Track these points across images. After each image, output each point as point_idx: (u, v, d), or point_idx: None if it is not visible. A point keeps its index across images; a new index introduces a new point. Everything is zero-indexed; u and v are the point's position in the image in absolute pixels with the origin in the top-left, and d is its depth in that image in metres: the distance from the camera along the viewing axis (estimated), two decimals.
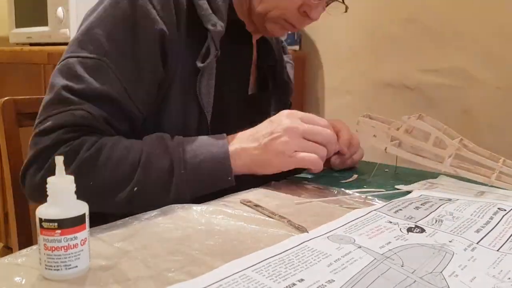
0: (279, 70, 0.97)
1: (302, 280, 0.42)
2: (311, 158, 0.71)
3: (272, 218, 0.59)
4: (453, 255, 0.49)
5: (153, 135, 0.70)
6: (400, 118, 0.81)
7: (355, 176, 0.84)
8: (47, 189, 0.43)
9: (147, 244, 0.51)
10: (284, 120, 0.72)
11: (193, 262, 0.47)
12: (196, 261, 0.47)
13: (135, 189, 0.64)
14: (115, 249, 0.49)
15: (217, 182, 0.69)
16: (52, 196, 0.43)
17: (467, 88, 1.56)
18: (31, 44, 1.88)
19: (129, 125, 0.73)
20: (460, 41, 1.55)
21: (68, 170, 0.64)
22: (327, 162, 0.84)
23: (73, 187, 0.44)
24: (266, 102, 0.96)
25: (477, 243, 0.53)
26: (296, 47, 1.84)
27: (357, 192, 0.73)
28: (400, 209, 0.62)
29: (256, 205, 0.64)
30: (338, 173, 0.87)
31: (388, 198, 0.69)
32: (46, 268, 0.42)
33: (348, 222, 0.57)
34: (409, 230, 0.56)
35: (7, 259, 0.47)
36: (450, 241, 0.53)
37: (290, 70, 1.02)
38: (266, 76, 0.95)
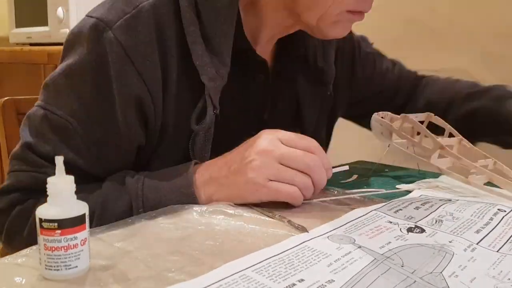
0: (312, 57, 0.80)
1: (302, 280, 0.42)
2: (288, 190, 0.59)
3: (272, 218, 0.59)
4: (453, 255, 0.49)
5: (115, 175, 0.63)
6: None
7: (355, 176, 0.84)
8: (47, 189, 0.43)
9: (147, 244, 0.51)
10: (260, 141, 0.60)
11: (193, 262, 0.47)
12: (196, 261, 0.47)
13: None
14: (115, 249, 0.49)
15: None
16: (52, 196, 0.43)
17: None
18: (31, 44, 1.88)
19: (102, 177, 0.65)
20: (460, 42, 1.55)
21: (23, 231, 0.61)
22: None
23: (73, 187, 0.44)
24: (292, 107, 0.82)
25: (477, 243, 0.53)
26: None
27: (357, 192, 0.73)
28: (400, 209, 0.62)
29: (256, 205, 0.64)
30: (338, 173, 0.87)
31: (388, 198, 0.69)
32: (46, 268, 0.42)
33: (348, 222, 0.57)
34: (409, 230, 0.56)
35: (7, 259, 0.47)
36: (450, 242, 0.53)
37: (331, 51, 0.83)
38: (290, 81, 0.80)
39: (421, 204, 0.65)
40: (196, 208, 0.62)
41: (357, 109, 0.98)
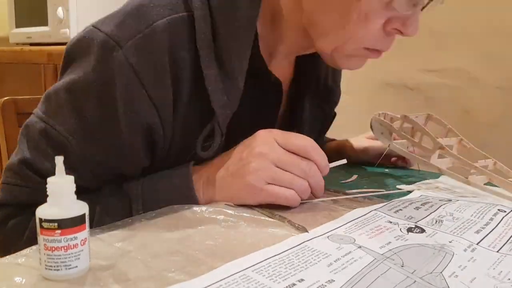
0: (323, 77, 0.79)
1: (302, 280, 0.42)
2: (286, 194, 0.59)
3: (272, 218, 0.59)
4: (453, 255, 0.49)
5: (112, 185, 0.63)
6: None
7: (355, 176, 0.84)
8: (47, 189, 0.43)
9: (147, 244, 0.51)
10: (256, 143, 0.59)
11: (193, 262, 0.47)
12: (196, 261, 0.47)
13: None
14: (115, 249, 0.49)
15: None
16: (52, 196, 0.43)
17: (467, 88, 1.56)
18: (31, 44, 1.88)
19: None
20: (460, 41, 1.55)
21: (20, 241, 0.61)
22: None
23: (73, 187, 0.44)
24: (296, 125, 0.79)
25: (477, 244, 0.53)
26: None
27: (357, 192, 0.73)
28: (400, 209, 0.62)
29: (256, 205, 0.64)
30: (338, 173, 0.87)
31: (388, 198, 0.69)
32: (46, 268, 0.42)
33: (348, 222, 0.57)
34: (409, 230, 0.56)
35: (7, 259, 0.47)
36: (450, 242, 0.53)
37: (339, 72, 0.84)
38: (301, 99, 0.78)
39: (421, 204, 0.65)
40: (196, 208, 0.62)
41: None
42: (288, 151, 0.60)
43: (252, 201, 0.61)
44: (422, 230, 0.56)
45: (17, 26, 1.94)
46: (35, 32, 1.83)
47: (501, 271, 0.46)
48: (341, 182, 0.80)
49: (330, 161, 0.65)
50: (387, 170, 0.91)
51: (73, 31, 1.65)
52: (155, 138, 0.60)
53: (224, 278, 0.42)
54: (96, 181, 0.62)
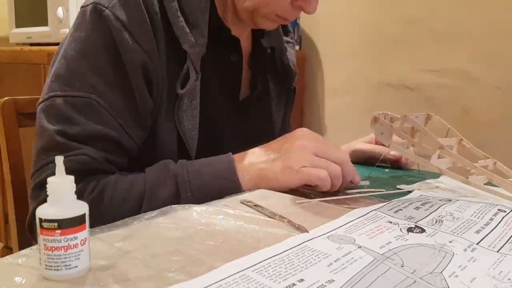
0: (278, 55, 0.91)
1: (302, 280, 0.42)
2: (319, 173, 0.66)
3: (272, 218, 0.59)
4: (453, 255, 0.49)
5: (155, 165, 0.67)
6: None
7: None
8: (47, 189, 0.43)
9: (147, 244, 0.51)
10: (299, 138, 0.69)
11: (193, 262, 0.47)
12: (196, 261, 0.47)
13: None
14: (115, 249, 0.49)
15: (226, 195, 0.67)
16: (52, 196, 0.43)
17: (467, 88, 1.56)
18: (31, 44, 1.88)
19: (128, 158, 0.70)
20: (460, 41, 1.55)
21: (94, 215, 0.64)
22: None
23: (73, 187, 0.44)
24: (265, 99, 0.90)
25: (477, 244, 0.53)
26: (296, 47, 1.84)
27: (357, 192, 0.73)
28: (400, 209, 0.62)
29: (256, 205, 0.64)
30: None
31: (388, 198, 0.69)
32: (46, 268, 0.42)
33: (348, 222, 0.57)
34: (409, 230, 0.56)
35: (7, 259, 0.47)
36: (450, 242, 0.53)
37: (291, 51, 0.95)
38: (263, 71, 0.89)
39: (421, 204, 0.65)
40: (196, 208, 0.62)
41: None
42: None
43: (289, 184, 0.68)
44: (422, 230, 0.56)
45: (17, 26, 1.94)
46: (35, 32, 1.83)
47: (501, 271, 0.46)
48: None
49: None
50: (387, 170, 0.91)
51: None
52: (151, 78, 0.69)
53: (224, 278, 0.42)
54: (128, 136, 0.68)
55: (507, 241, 0.54)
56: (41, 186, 0.65)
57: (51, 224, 0.42)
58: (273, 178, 0.68)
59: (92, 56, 0.67)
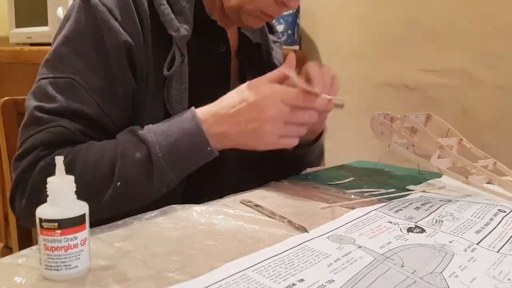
0: (264, 53, 0.93)
1: (302, 280, 0.42)
2: (291, 142, 0.71)
3: (272, 218, 0.59)
4: (453, 255, 0.49)
5: (124, 130, 0.69)
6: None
7: (351, 178, 0.84)
8: (47, 189, 0.43)
9: (147, 244, 0.51)
10: (266, 105, 0.68)
11: (193, 262, 0.47)
12: (196, 261, 0.47)
13: (118, 184, 0.64)
14: (115, 249, 0.49)
15: (198, 157, 0.68)
16: (52, 196, 0.43)
17: (467, 88, 1.56)
18: (31, 44, 1.87)
19: (106, 135, 0.71)
20: (460, 41, 1.55)
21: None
22: None
23: (73, 187, 0.44)
24: None
25: (477, 244, 0.53)
26: (296, 47, 1.84)
27: (357, 192, 0.73)
28: (401, 209, 0.62)
29: (256, 205, 0.64)
30: (336, 173, 0.87)
31: (388, 198, 0.69)
32: (46, 268, 0.42)
33: (348, 222, 0.57)
34: (409, 230, 0.56)
35: (7, 259, 0.47)
36: (450, 242, 0.53)
37: (277, 49, 0.98)
38: (251, 63, 0.90)
39: (421, 205, 0.65)
40: (196, 208, 0.62)
41: None
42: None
43: (266, 149, 0.70)
44: (422, 230, 0.56)
45: (17, 26, 1.94)
46: (35, 32, 1.83)
47: (501, 271, 0.46)
48: (339, 183, 0.80)
49: None
50: (387, 169, 0.91)
51: None
52: (134, 60, 0.71)
53: (224, 278, 0.42)
54: (105, 113, 0.70)
55: (507, 241, 0.54)
56: (19, 157, 0.68)
57: (51, 224, 0.42)
58: (250, 146, 0.70)
59: (76, 40, 0.71)
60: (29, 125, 0.68)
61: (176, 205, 0.62)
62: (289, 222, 0.57)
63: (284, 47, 1.86)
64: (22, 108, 0.91)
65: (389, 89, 1.72)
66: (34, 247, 0.48)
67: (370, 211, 0.61)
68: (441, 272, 0.45)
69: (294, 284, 0.42)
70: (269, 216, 0.60)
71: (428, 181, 0.81)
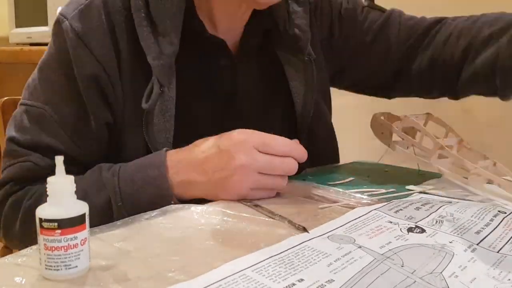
0: (282, 28, 0.80)
1: (302, 280, 0.42)
2: (266, 195, 0.65)
3: (272, 218, 0.59)
4: (453, 255, 0.49)
5: (92, 169, 0.66)
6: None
7: (351, 178, 0.84)
8: (47, 189, 0.43)
9: (147, 244, 0.51)
10: (237, 153, 0.61)
11: (193, 262, 0.47)
12: (196, 261, 0.47)
13: None
14: (115, 249, 0.49)
15: (158, 206, 0.62)
16: (52, 196, 0.43)
17: None
18: (31, 44, 1.88)
19: (84, 168, 0.68)
20: None
21: (16, 221, 0.66)
22: None
23: (73, 187, 0.44)
24: (256, 95, 0.81)
25: (478, 244, 0.53)
26: None
27: (357, 192, 0.73)
28: (401, 209, 0.62)
29: (256, 205, 0.64)
30: (336, 173, 0.87)
31: (388, 198, 0.69)
32: (46, 268, 0.42)
33: (348, 222, 0.57)
34: (410, 230, 0.56)
35: (7, 259, 0.47)
36: (450, 242, 0.53)
37: (299, 11, 0.81)
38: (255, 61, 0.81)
39: (422, 205, 0.65)
40: (196, 208, 0.62)
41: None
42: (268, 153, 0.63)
43: (237, 199, 0.64)
44: (423, 230, 0.56)
45: (17, 26, 1.94)
46: (35, 32, 1.83)
47: (501, 272, 0.46)
48: (339, 183, 0.80)
49: None
50: (387, 169, 0.91)
51: None
52: (105, 90, 0.67)
53: (224, 278, 0.42)
54: (77, 147, 0.68)
55: (508, 241, 0.54)
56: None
57: (51, 224, 0.42)
58: (220, 198, 0.64)
59: (49, 69, 0.70)
60: (6, 156, 0.69)
61: (176, 205, 0.62)
62: (289, 222, 0.57)
63: None
64: None
65: None
66: (34, 247, 0.48)
67: (370, 211, 0.61)
68: (441, 272, 0.45)
69: (293, 284, 0.42)
70: (269, 216, 0.60)
71: (429, 182, 0.81)
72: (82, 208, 0.43)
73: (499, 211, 0.63)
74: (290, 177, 0.82)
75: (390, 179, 0.83)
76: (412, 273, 0.45)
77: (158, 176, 0.62)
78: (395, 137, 0.81)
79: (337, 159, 0.92)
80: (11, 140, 0.68)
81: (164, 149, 0.66)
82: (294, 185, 0.77)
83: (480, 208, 0.64)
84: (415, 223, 0.58)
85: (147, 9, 0.67)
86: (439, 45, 0.88)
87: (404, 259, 0.47)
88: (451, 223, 0.58)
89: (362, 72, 0.92)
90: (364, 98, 1.83)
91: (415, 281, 0.43)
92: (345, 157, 0.91)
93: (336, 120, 0.97)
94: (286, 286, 0.41)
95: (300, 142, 0.68)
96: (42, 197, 0.63)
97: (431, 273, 0.45)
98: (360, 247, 0.50)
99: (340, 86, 0.99)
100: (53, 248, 0.42)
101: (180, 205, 0.62)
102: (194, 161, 0.64)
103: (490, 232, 0.56)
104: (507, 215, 0.62)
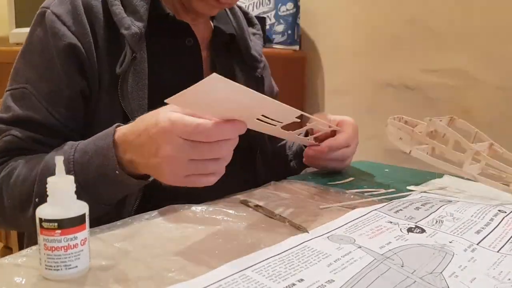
0: (242, 44, 0.91)
1: (302, 280, 0.42)
2: (204, 180, 0.60)
3: (272, 218, 0.59)
4: (453, 255, 0.49)
5: (65, 143, 0.69)
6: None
7: (351, 178, 0.84)
8: (47, 189, 0.43)
9: (147, 244, 0.51)
10: (162, 143, 0.58)
11: (193, 262, 0.47)
12: (196, 261, 0.47)
13: (37, 200, 0.64)
14: (115, 249, 0.49)
15: (107, 178, 0.61)
16: (52, 196, 0.43)
17: (467, 88, 1.56)
18: None
19: (64, 140, 0.70)
20: (460, 42, 1.55)
21: (3, 198, 0.69)
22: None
23: (73, 187, 0.44)
24: None
25: (477, 244, 0.53)
26: (296, 47, 1.84)
27: (357, 192, 0.73)
28: (401, 209, 0.62)
29: (256, 205, 0.64)
30: (336, 174, 0.87)
31: (388, 198, 0.69)
32: (46, 268, 0.42)
33: (348, 222, 0.57)
34: (410, 230, 0.56)
35: (7, 259, 0.47)
36: (450, 242, 0.53)
37: (257, 41, 0.97)
38: (224, 54, 0.90)
39: (422, 205, 0.65)
40: (196, 208, 0.62)
41: None
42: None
43: (180, 185, 0.60)
44: (422, 230, 0.56)
45: (17, 26, 1.94)
46: None
47: (501, 271, 0.46)
48: (339, 183, 0.80)
49: None
50: (387, 170, 0.91)
51: None
52: (81, 59, 0.73)
53: (224, 278, 0.42)
54: (54, 118, 0.72)
55: (507, 241, 0.54)
56: None
57: (51, 224, 0.42)
58: (163, 179, 0.61)
59: (28, 51, 0.76)
60: None
61: (176, 205, 0.62)
62: (289, 222, 0.57)
63: (284, 47, 1.87)
64: None
65: (389, 89, 1.72)
66: (34, 247, 0.48)
67: (370, 211, 0.61)
68: (441, 272, 0.45)
69: (293, 284, 0.42)
70: (269, 216, 0.60)
71: (429, 182, 0.81)
72: (82, 208, 0.43)
73: (499, 210, 0.63)
74: (290, 178, 0.82)
75: (390, 179, 0.83)
76: (412, 273, 0.45)
77: (104, 146, 0.63)
78: (416, 143, 0.76)
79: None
80: None
81: (115, 124, 0.65)
82: (294, 185, 0.77)
83: (480, 207, 0.64)
84: (415, 223, 0.58)
85: None
86: None
87: (404, 259, 0.47)
88: (451, 223, 0.58)
89: None
90: (363, 98, 1.84)
91: (415, 281, 0.43)
92: None
93: None
94: (286, 286, 0.41)
95: None
96: (14, 171, 0.68)
97: (431, 273, 0.45)
98: (360, 247, 0.50)
99: None
100: (53, 248, 0.42)
101: (180, 205, 0.62)
102: (135, 143, 0.62)
103: (490, 232, 0.56)
104: (507, 215, 0.62)
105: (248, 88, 0.51)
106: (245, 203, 0.65)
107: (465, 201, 0.67)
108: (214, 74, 0.48)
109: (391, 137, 0.79)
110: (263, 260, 0.46)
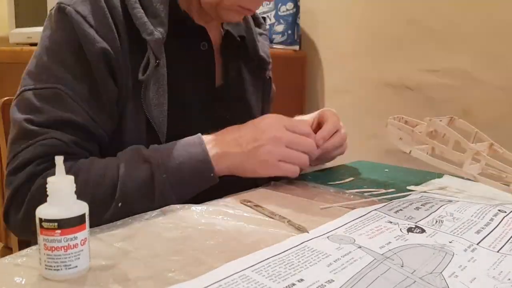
0: (250, 45, 0.92)
1: (301, 280, 0.42)
2: (292, 169, 0.72)
3: (272, 218, 0.59)
4: (453, 255, 0.49)
5: (127, 149, 0.69)
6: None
7: (351, 178, 0.84)
8: (47, 189, 0.43)
9: (147, 244, 0.51)
10: (269, 128, 0.72)
11: (193, 262, 0.47)
12: (196, 261, 0.47)
13: (120, 204, 0.63)
14: (115, 249, 0.49)
15: (200, 182, 0.68)
16: (52, 196, 0.43)
17: (467, 88, 1.56)
18: (31, 44, 1.87)
19: (99, 144, 0.72)
20: (460, 41, 1.55)
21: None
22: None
23: (73, 187, 0.44)
24: (239, 87, 0.91)
25: (477, 244, 0.53)
26: (296, 47, 1.84)
27: (357, 192, 0.73)
28: (401, 209, 0.62)
29: (256, 205, 0.64)
30: (336, 173, 0.87)
31: (388, 198, 0.69)
32: (46, 268, 0.42)
33: (348, 222, 0.57)
34: (409, 230, 0.56)
35: (7, 259, 0.47)
36: (450, 242, 0.53)
37: (264, 42, 0.98)
38: (236, 59, 0.91)
39: (422, 205, 0.65)
40: (196, 208, 0.62)
41: None
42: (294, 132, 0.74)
43: (266, 174, 0.72)
44: (422, 230, 0.56)
45: (17, 26, 1.94)
46: (35, 32, 1.82)
47: (501, 271, 0.46)
48: (339, 183, 0.80)
49: None
50: (387, 170, 0.91)
51: None
52: (114, 67, 0.71)
53: (224, 278, 0.42)
54: (94, 121, 0.70)
55: (507, 241, 0.54)
56: (14, 172, 0.67)
57: (51, 224, 0.42)
58: (249, 169, 0.71)
59: (56, 51, 0.71)
60: (20, 138, 0.67)
61: (176, 205, 0.62)
62: (289, 222, 0.57)
63: (284, 47, 1.87)
64: None
65: (389, 89, 1.72)
66: (34, 247, 0.48)
67: (370, 211, 0.61)
68: (441, 272, 0.45)
69: (293, 284, 0.42)
70: (269, 216, 0.60)
71: (429, 182, 0.81)
72: (82, 208, 0.43)
73: (499, 210, 0.63)
74: (290, 178, 0.82)
75: (390, 179, 0.83)
76: (412, 273, 0.45)
77: (200, 153, 0.68)
78: (416, 143, 0.76)
79: None
80: (25, 121, 0.67)
81: (198, 134, 0.72)
82: (294, 185, 0.77)
83: (480, 207, 0.64)
84: (415, 223, 0.58)
85: None
86: None
87: (404, 259, 0.47)
88: (451, 223, 0.58)
89: None
90: (363, 98, 1.84)
91: (415, 281, 0.43)
92: (345, 157, 0.91)
93: None
94: (286, 286, 0.41)
95: None
96: (77, 177, 0.62)
97: (431, 273, 0.45)
98: (360, 247, 0.50)
99: None
100: (53, 248, 0.42)
101: (180, 205, 0.62)
102: (229, 136, 0.72)
103: (490, 232, 0.56)
104: (507, 215, 0.62)
105: None
106: (245, 203, 0.65)
107: (465, 201, 0.67)
108: None
109: (391, 137, 0.79)
110: (263, 260, 0.46)
